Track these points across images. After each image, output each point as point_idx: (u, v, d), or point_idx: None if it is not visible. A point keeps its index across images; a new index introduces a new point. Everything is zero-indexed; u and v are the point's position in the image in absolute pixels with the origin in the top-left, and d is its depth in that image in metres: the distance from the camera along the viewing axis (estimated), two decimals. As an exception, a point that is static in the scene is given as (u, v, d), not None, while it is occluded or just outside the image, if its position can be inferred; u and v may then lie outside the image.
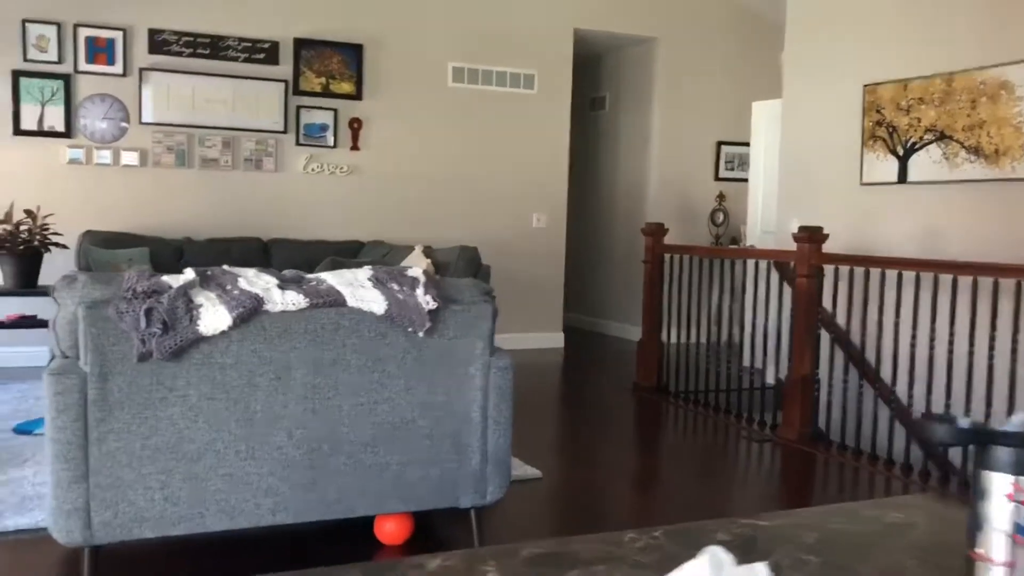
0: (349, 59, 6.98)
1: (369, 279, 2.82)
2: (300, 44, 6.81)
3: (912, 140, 5.30)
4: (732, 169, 8.64)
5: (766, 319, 5.31)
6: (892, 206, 5.44)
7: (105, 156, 6.32)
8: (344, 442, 2.78)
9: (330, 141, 6.98)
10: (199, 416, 2.61)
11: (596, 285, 8.95)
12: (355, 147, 7.07)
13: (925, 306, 4.39)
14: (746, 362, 6.21)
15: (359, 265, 6.06)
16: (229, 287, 2.65)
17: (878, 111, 5.51)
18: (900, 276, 4.36)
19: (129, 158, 6.39)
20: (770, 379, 6.24)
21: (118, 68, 6.32)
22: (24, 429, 4.29)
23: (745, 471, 4.51)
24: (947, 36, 5.09)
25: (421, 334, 2.81)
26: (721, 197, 8.52)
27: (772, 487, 4.24)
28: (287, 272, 2.92)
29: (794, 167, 6.25)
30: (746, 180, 8.53)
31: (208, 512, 2.65)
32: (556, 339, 7.87)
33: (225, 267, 2.82)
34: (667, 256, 5.90)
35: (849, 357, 5.04)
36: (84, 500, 2.50)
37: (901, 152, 5.36)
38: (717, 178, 8.60)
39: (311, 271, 6.37)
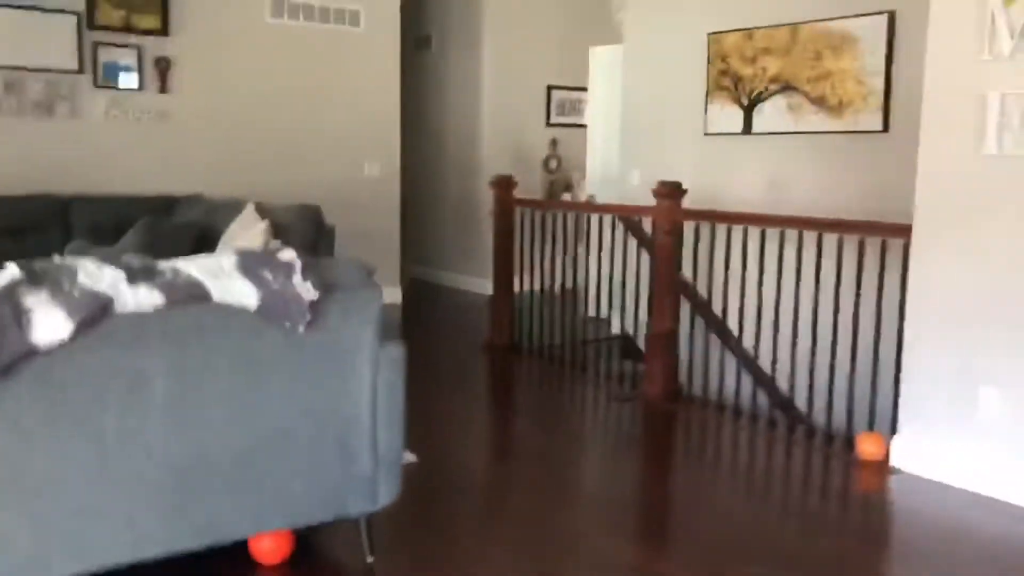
0: (153, -11, 6.19)
1: (236, 267, 2.41)
2: (93, -30, 5.96)
3: (757, 90, 5.32)
4: (563, 114, 8.52)
5: (611, 271, 5.25)
6: (737, 156, 5.48)
7: None
8: (215, 459, 2.39)
9: (134, 83, 6.20)
10: (36, 443, 2.14)
11: (431, 235, 8.65)
12: (163, 90, 6.33)
13: (771, 259, 4.43)
14: (591, 312, 6.18)
15: (183, 226, 5.48)
16: (66, 285, 2.17)
17: (723, 60, 5.50)
18: (746, 231, 4.37)
19: None
20: (615, 329, 6.25)
21: None
22: None
23: (617, 431, 4.44)
24: (792, -14, 5.11)
25: (301, 328, 2.45)
26: (554, 143, 8.40)
27: (643, 447, 4.18)
28: (132, 259, 2.44)
29: (636, 116, 6.18)
30: (578, 126, 8.45)
31: (54, 555, 2.20)
32: (394, 294, 7.52)
33: (57, 258, 2.32)
34: (517, 210, 5.68)
35: (697, 310, 5.08)
36: None
37: (746, 102, 5.39)
38: (549, 123, 8.45)
39: (120, 232, 5.72)
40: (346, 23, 7.05)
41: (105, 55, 6.07)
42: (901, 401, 3.62)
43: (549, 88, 8.38)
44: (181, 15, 6.31)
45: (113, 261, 2.32)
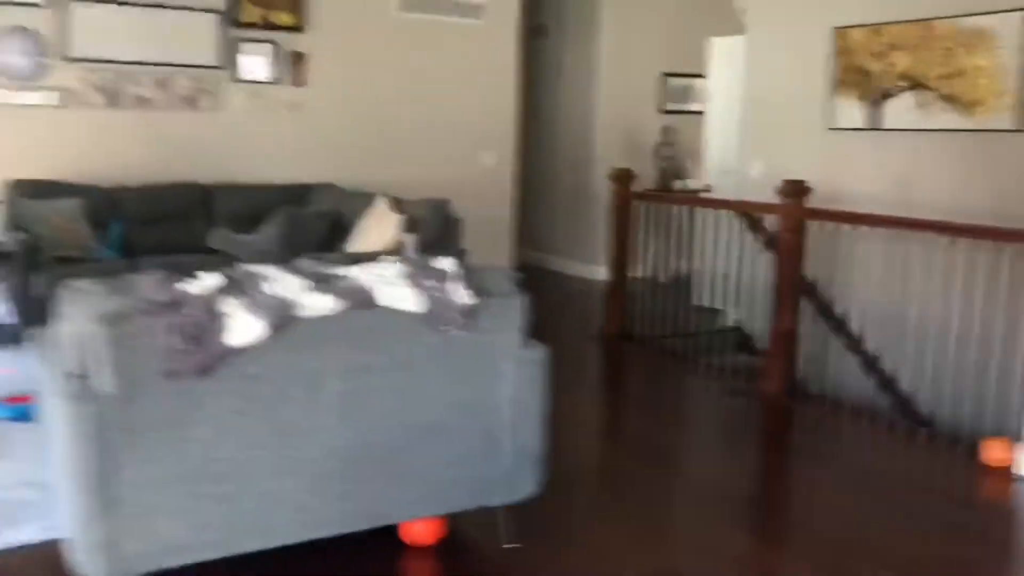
0: (289, -12, 6.50)
1: (401, 275, 2.62)
2: (236, -29, 6.29)
3: (885, 86, 5.27)
4: (677, 101, 8.53)
5: (726, 263, 5.33)
6: (862, 152, 5.45)
7: (27, 96, 5.77)
8: (376, 449, 2.63)
9: (271, 77, 6.54)
10: (229, 434, 2.41)
11: (542, 220, 8.82)
12: (298, 83, 6.65)
13: (896, 261, 4.43)
14: (703, 302, 6.25)
15: (319, 216, 5.79)
16: (256, 292, 2.42)
17: (849, 55, 5.46)
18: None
19: (52, 98, 5.85)
20: (729, 321, 6.31)
21: (36, -2, 5.72)
22: (-24, 413, 3.97)
23: (734, 425, 4.53)
24: (925, -19, 5.04)
25: (457, 331, 2.65)
26: (667, 130, 8.42)
27: (761, 442, 4.28)
28: (311, 268, 2.69)
29: (757, 108, 6.19)
30: (691, 112, 8.46)
31: (242, 533, 2.47)
32: (507, 278, 7.73)
33: (246, 266, 2.58)
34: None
35: (819, 310, 5.10)
36: (112, 533, 2.29)
37: (873, 98, 5.34)
38: (662, 110, 8.48)
39: (258, 219, 6.09)
40: (470, 16, 7.23)
41: (245, 51, 6.41)
42: (1030, 408, 3.62)
43: (664, 75, 8.40)
44: (316, 11, 6.61)
45: (295, 270, 2.56)
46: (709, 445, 4.23)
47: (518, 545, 2.92)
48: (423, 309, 2.59)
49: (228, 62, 6.36)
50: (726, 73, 7.03)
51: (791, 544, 3.12)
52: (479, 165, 7.48)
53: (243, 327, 2.34)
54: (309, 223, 5.75)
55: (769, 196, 5.77)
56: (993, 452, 3.74)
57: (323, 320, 2.47)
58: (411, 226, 5.06)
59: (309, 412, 2.50)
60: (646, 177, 8.25)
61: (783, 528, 3.32)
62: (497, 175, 7.58)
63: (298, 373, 2.47)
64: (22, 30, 5.72)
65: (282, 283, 2.46)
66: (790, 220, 4.62)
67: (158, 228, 5.97)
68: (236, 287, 2.43)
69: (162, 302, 2.29)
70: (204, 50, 6.27)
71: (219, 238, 5.71)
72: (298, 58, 6.61)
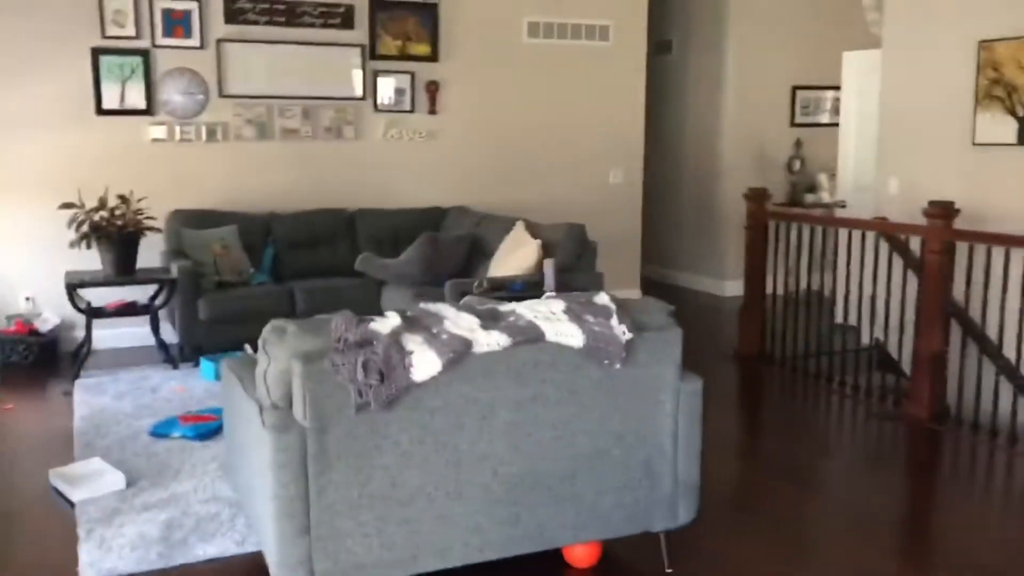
0: (424, 20, 6.76)
1: (564, 311, 2.75)
2: (376, 6, 6.59)
3: (1034, 101, 5.12)
4: (808, 114, 8.43)
5: (860, 280, 5.25)
6: (1009, 169, 5.29)
7: (187, 132, 6.21)
8: (544, 476, 2.76)
9: (408, 106, 6.82)
10: (411, 461, 2.58)
11: (668, 236, 8.84)
12: (433, 111, 6.91)
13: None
14: (839, 319, 6.16)
15: (457, 240, 6.00)
16: (435, 330, 2.59)
17: (995, 69, 5.31)
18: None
19: (210, 132, 6.26)
20: (866, 339, 6.19)
21: (195, 40, 6.15)
22: (161, 432, 4.30)
23: (881, 450, 4.48)
24: (1078, -8, 4.87)
25: (618, 365, 2.76)
26: (798, 144, 8.33)
27: (910, 467, 4.22)
28: (473, 302, 2.85)
29: (894, 123, 6.07)
30: (823, 125, 8.35)
31: (421, 554, 2.64)
32: (634, 296, 7.79)
33: (424, 305, 2.75)
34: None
35: (968, 332, 4.97)
36: (307, 552, 2.50)
37: (1021, 113, 5.19)
38: (793, 123, 8.39)
39: (397, 241, 6.35)
40: (596, 38, 7.35)
41: (384, 81, 6.71)
42: None
43: (794, 88, 8.31)
44: (449, 41, 6.85)
45: (467, 308, 2.72)
46: (856, 469, 4.20)
47: (670, 571, 3.00)
48: (586, 344, 2.71)
49: (369, 93, 6.66)
50: (861, 87, 6.92)
51: (942, 570, 3.08)
52: (608, 184, 7.58)
53: (425, 363, 2.51)
54: (448, 247, 5.97)
55: (907, 213, 5.69)
56: None
57: (494, 355, 2.62)
58: (548, 250, 5.20)
59: (481, 441, 2.66)
60: (777, 191, 8.20)
61: (935, 554, 3.28)
62: (626, 192, 7.67)
63: (471, 404, 2.62)
64: (183, 71, 6.15)
65: (458, 321, 2.63)
66: (937, 242, 4.54)
67: (306, 252, 6.31)
68: (417, 325, 2.60)
69: (354, 341, 2.48)
70: (347, 82, 6.60)
71: (364, 262, 5.98)
72: (433, 87, 6.86)
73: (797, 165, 8.33)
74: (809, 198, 8.28)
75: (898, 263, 5.43)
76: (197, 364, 5.51)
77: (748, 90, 8.17)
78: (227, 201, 6.31)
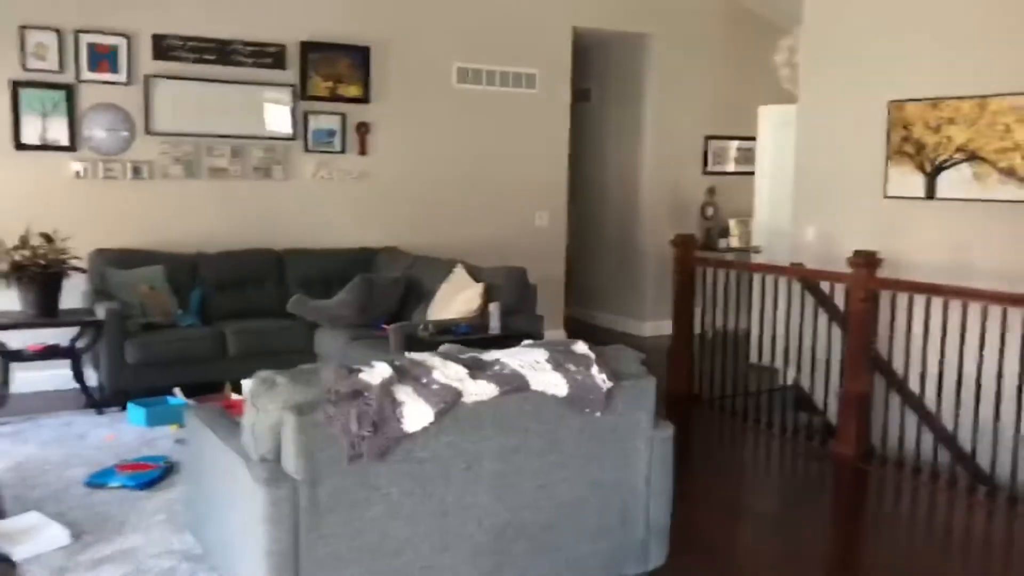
0: (357, 62, 6.78)
1: (547, 360, 2.81)
2: (307, 47, 6.58)
3: (942, 158, 5.50)
4: (719, 163, 8.79)
5: (787, 324, 5.51)
6: (918, 221, 5.65)
7: (112, 169, 6.02)
8: (526, 525, 2.80)
9: (338, 146, 6.80)
10: (400, 513, 2.58)
11: (590, 277, 9.02)
12: (363, 152, 6.91)
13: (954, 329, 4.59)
14: (755, 359, 6.41)
15: (392, 282, 5.99)
16: (425, 380, 2.61)
17: (905, 127, 5.69)
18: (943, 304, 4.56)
19: (136, 170, 6.09)
20: (783, 379, 6.46)
21: (122, 76, 6.00)
22: (98, 482, 4.12)
23: (829, 492, 4.66)
24: (981, 59, 5.28)
25: (599, 414, 2.83)
26: (711, 191, 8.67)
27: (848, 507, 4.43)
28: (453, 350, 2.88)
29: (810, 174, 6.40)
30: (730, 173, 8.72)
31: (407, 607, 2.63)
32: (557, 335, 7.92)
33: (412, 356, 2.76)
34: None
35: (877, 370, 5.24)
36: (296, 609, 2.46)
37: (929, 169, 5.57)
38: (705, 171, 8.73)
39: (328, 282, 6.30)
40: (523, 86, 7.51)
41: (315, 122, 6.68)
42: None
43: (706, 138, 8.67)
44: (382, 83, 6.89)
45: (453, 358, 2.75)
46: (796, 507, 4.36)
47: (644, 613, 3.07)
48: (570, 393, 2.77)
49: (299, 133, 6.62)
50: (776, 139, 7.27)
51: None
52: (534, 226, 7.71)
53: (416, 413, 2.53)
54: (383, 289, 5.96)
55: (823, 258, 6.00)
56: (1078, 517, 3.87)
57: (481, 404, 2.66)
58: (491, 294, 5.26)
59: (467, 491, 2.68)
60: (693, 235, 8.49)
61: None
62: (550, 235, 7.82)
63: (458, 455, 2.65)
64: (108, 107, 5.99)
65: (445, 371, 2.65)
66: (862, 290, 4.81)
67: (234, 293, 6.19)
68: (406, 375, 2.61)
69: (346, 392, 2.47)
70: (276, 122, 6.54)
71: (297, 304, 5.91)
72: (364, 128, 6.87)
73: (710, 211, 8.66)
74: (722, 243, 8.60)
75: (814, 306, 5.70)
76: (123, 408, 5.30)
77: (664, 138, 8.47)
78: (153, 241, 6.14)
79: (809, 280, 5.60)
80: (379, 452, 2.48)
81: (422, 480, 2.60)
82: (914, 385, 4.99)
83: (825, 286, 5.58)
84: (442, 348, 2.97)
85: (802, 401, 6.23)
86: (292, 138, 6.60)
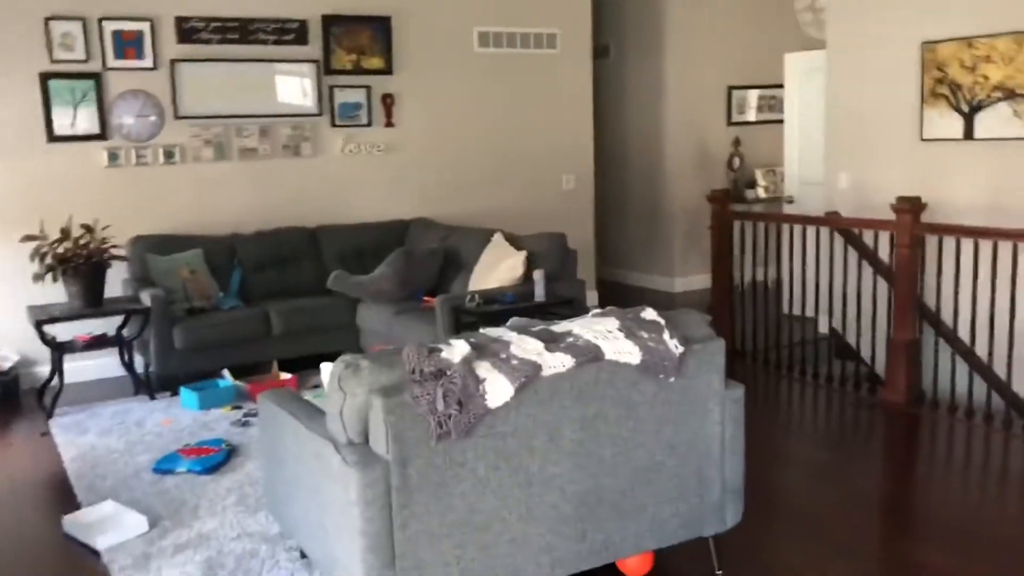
0: (378, 33, 6.73)
1: (619, 329, 2.82)
2: (328, 21, 6.53)
3: (978, 98, 5.44)
4: (742, 113, 8.72)
5: (816, 271, 5.50)
6: (956, 163, 5.61)
7: (144, 155, 6.03)
8: (607, 491, 2.83)
9: (364, 119, 6.78)
10: (487, 487, 2.62)
11: (617, 236, 9.01)
12: (389, 123, 6.89)
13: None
14: (794, 310, 6.40)
15: (430, 254, 6.00)
16: (503, 355, 2.63)
17: (939, 68, 5.62)
18: (987, 245, 4.54)
19: (167, 155, 6.10)
20: (823, 328, 6.46)
21: (148, 61, 5.98)
22: (165, 468, 4.19)
23: (884, 441, 4.68)
24: (1016, -6, 5.20)
25: (672, 379, 2.85)
26: (736, 142, 8.61)
27: (908, 453, 4.47)
28: (527, 324, 2.90)
29: (842, 121, 6.35)
30: (756, 123, 8.65)
31: (498, 578, 2.68)
32: (592, 297, 7.93)
33: (487, 331, 2.78)
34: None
35: (923, 317, 5.24)
36: (394, 585, 2.51)
37: (966, 109, 5.51)
38: (730, 123, 8.66)
39: (363, 256, 6.32)
40: (544, 46, 7.44)
41: (340, 96, 6.65)
42: None
43: (730, 88, 8.58)
44: (404, 53, 6.84)
45: (524, 331, 2.77)
46: (856, 458, 4.39)
47: (719, 572, 3.12)
48: (643, 360, 2.79)
49: (325, 108, 6.60)
50: (803, 87, 7.20)
51: (978, 551, 3.28)
52: (562, 190, 7.69)
53: (498, 389, 2.55)
54: (422, 262, 5.97)
55: (858, 206, 5.98)
56: None
57: (559, 376, 2.68)
58: (533, 261, 5.26)
59: (549, 461, 2.71)
60: (719, 187, 8.45)
61: (963, 536, 3.45)
62: (578, 197, 7.80)
63: (540, 427, 2.67)
64: (137, 93, 5.98)
65: (522, 344, 2.67)
66: (907, 236, 4.79)
67: (273, 273, 6.22)
68: (485, 351, 2.63)
69: (429, 371, 2.50)
70: (302, 98, 6.52)
71: (337, 280, 5.93)
72: (389, 99, 6.84)
73: (737, 163, 8.61)
74: (749, 194, 8.57)
75: (852, 255, 5.67)
76: (174, 393, 5.37)
77: (687, 91, 8.41)
78: (188, 224, 6.16)
79: (850, 229, 5.57)
80: (465, 429, 2.51)
81: (506, 454, 2.63)
82: (963, 331, 4.98)
83: (868, 234, 5.55)
84: (511, 322, 2.98)
85: (841, 349, 6.24)
86: (318, 114, 6.58)
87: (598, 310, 3.02)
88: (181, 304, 5.63)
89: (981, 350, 4.83)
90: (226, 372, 5.54)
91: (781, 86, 7.62)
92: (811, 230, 5.83)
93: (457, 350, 2.61)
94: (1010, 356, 4.66)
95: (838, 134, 6.40)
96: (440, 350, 2.60)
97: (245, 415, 4.96)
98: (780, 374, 5.69)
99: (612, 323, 2.85)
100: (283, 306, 5.83)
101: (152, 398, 5.40)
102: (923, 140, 5.78)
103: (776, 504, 3.78)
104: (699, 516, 3.03)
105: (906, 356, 4.87)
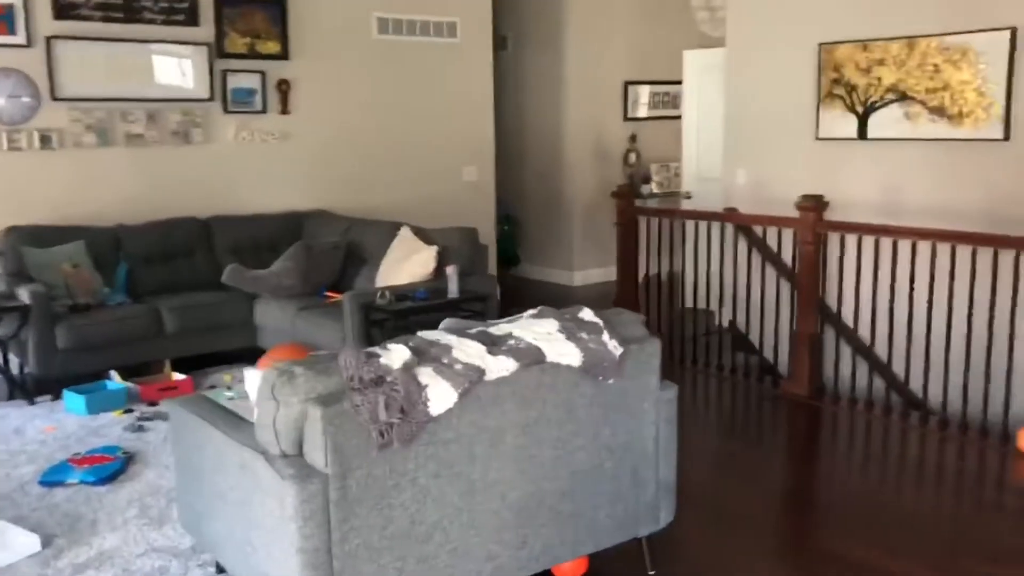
0: (273, 16, 6.45)
1: (559, 331, 2.76)
2: (221, 1, 6.21)
3: (872, 99, 5.64)
4: (639, 110, 8.82)
5: (708, 265, 5.61)
6: (850, 161, 5.81)
7: (17, 139, 5.59)
8: (547, 495, 2.77)
9: (259, 106, 6.49)
10: (428, 496, 2.51)
11: (516, 230, 8.96)
12: (285, 111, 6.62)
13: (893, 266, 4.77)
14: (690, 303, 6.51)
15: (333, 248, 5.80)
16: (445, 360, 2.52)
17: (836, 69, 5.80)
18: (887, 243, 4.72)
19: (44, 139, 5.67)
20: (721, 321, 6.60)
21: (20, 38, 5.54)
22: (54, 480, 3.88)
23: (792, 433, 4.79)
24: (910, 0, 5.40)
25: (612, 380, 2.80)
26: (633, 138, 8.70)
27: (819, 446, 4.60)
28: (462, 325, 2.79)
29: (740, 119, 6.48)
30: (651, 119, 8.77)
31: (438, 590, 2.58)
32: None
33: (424, 334, 2.66)
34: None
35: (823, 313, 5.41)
36: (333, 604, 2.37)
37: (861, 110, 5.70)
38: (626, 118, 8.74)
39: (258, 249, 6.07)
40: (444, 35, 7.31)
41: (233, 81, 6.34)
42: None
43: (626, 84, 8.66)
44: (301, 38, 6.58)
45: (461, 333, 2.66)
46: (769, 452, 4.48)
47: (652, 572, 3.10)
48: (584, 362, 2.73)
49: (217, 94, 6.28)
50: (701, 83, 7.32)
51: (904, 548, 3.36)
52: (462, 181, 7.58)
53: (441, 395, 2.44)
54: (323, 255, 5.77)
55: (756, 202, 6.12)
56: (1030, 440, 4.11)
57: (502, 381, 2.59)
58: (445, 256, 5.15)
59: (491, 468, 2.62)
60: (614, 183, 8.53)
61: (889, 529, 3.54)
62: (479, 190, 7.71)
63: (482, 432, 2.58)
64: (8, 72, 5.53)
65: (464, 348, 2.57)
66: (810, 232, 4.92)
67: (162, 266, 5.88)
68: (426, 356, 2.52)
69: (368, 378, 2.37)
70: (193, 83, 6.19)
71: (233, 275, 5.66)
72: (285, 86, 6.57)
73: (633, 158, 8.70)
74: (644, 189, 8.67)
75: (751, 251, 5.80)
76: (56, 397, 5.00)
77: (585, 86, 8.43)
78: (69, 215, 5.75)
79: (750, 226, 5.69)
80: (408, 438, 2.39)
81: (448, 461, 2.52)
82: (860, 326, 5.15)
83: (771, 231, 5.68)
84: (445, 323, 2.88)
85: (739, 341, 6.39)
86: (210, 99, 6.26)
87: (533, 311, 2.95)
88: (63, 300, 5.24)
89: (877, 342, 5.01)
90: (114, 373, 5.19)
91: (678, 82, 7.73)
92: (715, 226, 5.93)
93: (396, 355, 2.48)
94: (909, 352, 4.86)
95: (736, 131, 6.54)
96: (378, 355, 2.47)
97: (140, 419, 4.66)
98: (684, 367, 5.77)
99: (552, 325, 2.78)
100: (175, 302, 5.51)
101: (31, 402, 5.01)
102: (819, 139, 5.96)
103: (698, 500, 3.79)
104: (634, 517, 3.00)
105: (808, 349, 5.00)
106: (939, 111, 5.32)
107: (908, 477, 4.23)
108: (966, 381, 4.44)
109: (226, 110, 6.35)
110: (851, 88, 5.73)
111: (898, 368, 5.16)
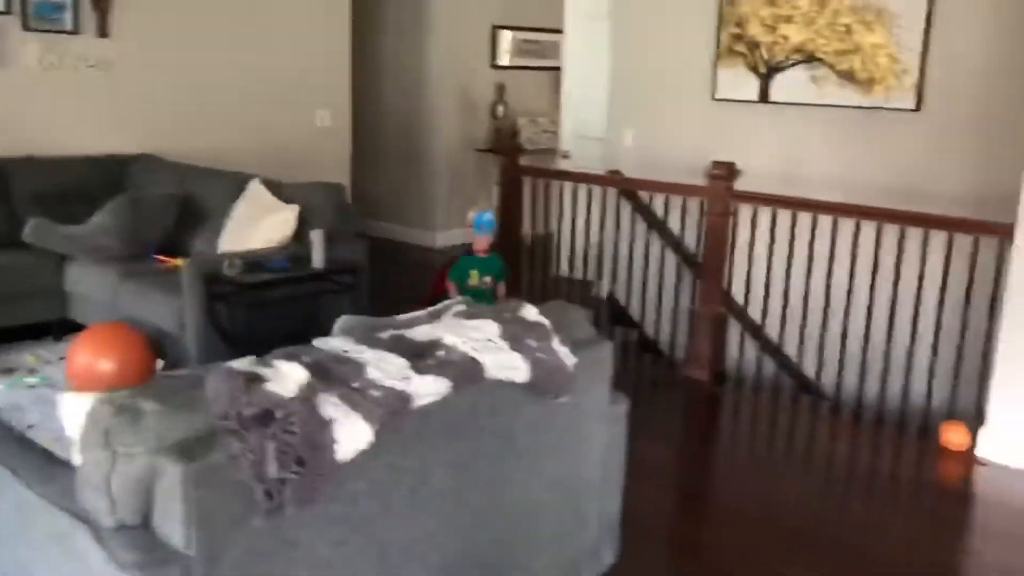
0: (89, -86, 5.31)
1: (502, 337, 2.10)
2: None
3: (777, 59, 5.23)
4: (510, 57, 8.15)
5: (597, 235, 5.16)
6: (750, 125, 5.39)
7: None
8: (476, 548, 2.13)
9: (70, 24, 5.36)
10: (328, 570, 1.82)
11: (373, 185, 8.13)
12: (104, 33, 5.51)
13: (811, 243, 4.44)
14: (568, 272, 6.03)
15: (166, 202, 4.85)
16: (356, 383, 1.81)
17: (737, 24, 5.35)
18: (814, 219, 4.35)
19: None
20: (602, 293, 6.15)
21: None
22: None
23: (682, 412, 4.35)
24: (823, -47, 5.00)
25: (565, 399, 2.19)
26: (501, 89, 8.04)
27: (716, 434, 4.17)
28: (370, 328, 2.08)
29: (628, 74, 5.96)
30: (521, 68, 8.13)
31: None
32: (347, 252, 7.06)
33: (324, 345, 1.93)
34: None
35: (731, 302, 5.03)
36: None
37: (763, 70, 5.29)
38: (493, 65, 8.06)
39: (68, 199, 5.05)
40: (298, -43, 6.36)
41: (38, -8, 5.19)
42: (992, 392, 3.73)
43: (494, 28, 7.96)
44: (124, -55, 5.48)
45: (372, 340, 1.96)
46: (674, 443, 4.01)
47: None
48: (532, 377, 2.10)
49: (15, 6, 5.12)
50: (585, 32, 6.73)
51: (800, 551, 2.97)
52: (315, 127, 6.71)
53: (352, 435, 1.75)
54: (154, 210, 4.82)
55: (643, 165, 5.63)
56: (952, 436, 3.84)
57: (428, 408, 1.92)
58: (306, 217, 4.34)
59: (411, 524, 1.96)
60: (481, 137, 7.89)
61: (793, 536, 3.16)
62: (333, 137, 6.85)
63: (401, 478, 1.91)
64: None
65: (381, 365, 1.87)
66: (721, 203, 4.47)
67: (-57, 218, 4.74)
68: (330, 378, 1.80)
69: (252, 415, 1.63)
70: (-17, -10, 5.00)
71: (37, 231, 4.62)
72: (103, 2, 5.46)
73: (501, 110, 8.05)
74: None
75: (629, 215, 5.33)
76: None
77: (450, 29, 7.67)
78: None
79: (628, 193, 5.19)
80: (306, 497, 1.68)
81: (355, 521, 1.84)
82: (755, 301, 4.79)
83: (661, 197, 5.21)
84: (342, 322, 2.15)
85: (618, 316, 5.96)
86: (5, 11, 5.09)
87: (459, 304, 2.28)
88: None
89: (766, 320, 4.67)
90: None
91: (558, 31, 7.11)
92: (596, 190, 5.40)
93: (288, 377, 1.75)
94: (802, 334, 4.53)
95: (624, 88, 6.01)
96: (262, 378, 1.73)
97: (-92, 419, 3.63)
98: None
99: (492, 329, 2.11)
100: (-42, 265, 4.43)
101: None
102: (716, 100, 5.51)
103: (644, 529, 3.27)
104: (575, 560, 2.43)
105: (711, 329, 4.57)
106: (848, 75, 4.97)
107: (805, 468, 3.85)
108: (879, 376, 4.14)
109: (26, 27, 5.19)
110: (754, 46, 5.30)
111: (790, 351, 4.86)
